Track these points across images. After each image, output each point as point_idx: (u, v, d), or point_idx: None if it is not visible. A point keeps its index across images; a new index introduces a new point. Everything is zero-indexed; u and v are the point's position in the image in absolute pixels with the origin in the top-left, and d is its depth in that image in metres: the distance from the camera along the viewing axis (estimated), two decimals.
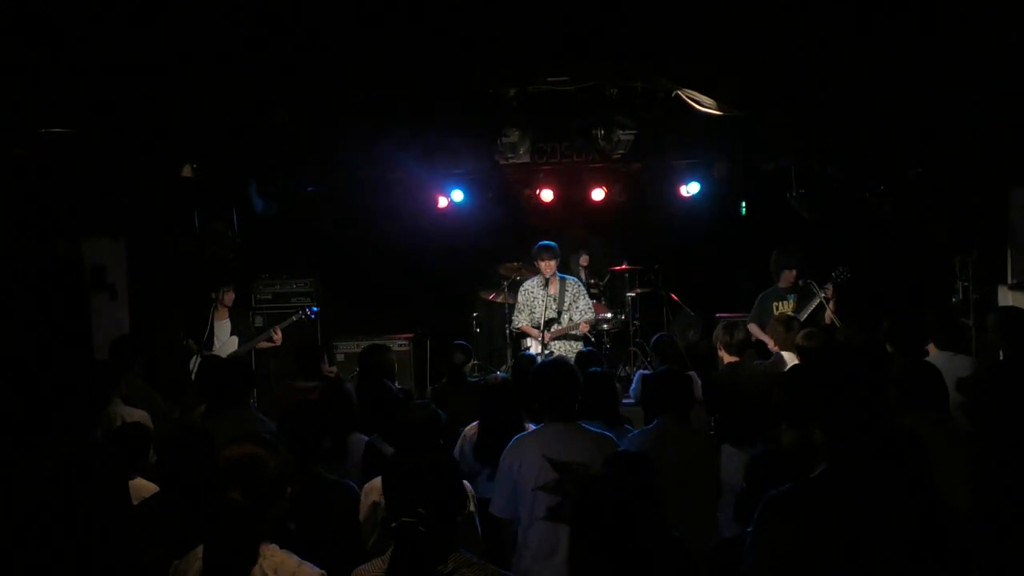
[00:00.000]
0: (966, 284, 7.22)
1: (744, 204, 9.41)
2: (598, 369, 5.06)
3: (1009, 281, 7.10)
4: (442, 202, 8.98)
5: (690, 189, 8.70)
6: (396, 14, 4.49)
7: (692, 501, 3.72)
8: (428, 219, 9.16)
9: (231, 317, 7.63)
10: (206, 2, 4.30)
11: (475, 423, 4.60)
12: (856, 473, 2.54)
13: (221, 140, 6.50)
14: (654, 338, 7.15)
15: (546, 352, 7.03)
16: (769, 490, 2.66)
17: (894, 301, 7.61)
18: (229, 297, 7.60)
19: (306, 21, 4.52)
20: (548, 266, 7.20)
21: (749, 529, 2.66)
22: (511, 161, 7.22)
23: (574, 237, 9.44)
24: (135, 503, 3.21)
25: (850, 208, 8.00)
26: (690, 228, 9.40)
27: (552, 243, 7.30)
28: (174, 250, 7.77)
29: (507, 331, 7.93)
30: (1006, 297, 7.02)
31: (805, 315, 6.71)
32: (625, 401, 6.50)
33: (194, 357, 7.29)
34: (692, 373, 5.90)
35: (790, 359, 5.51)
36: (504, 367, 8.08)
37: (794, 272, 7.13)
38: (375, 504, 3.56)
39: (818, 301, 6.80)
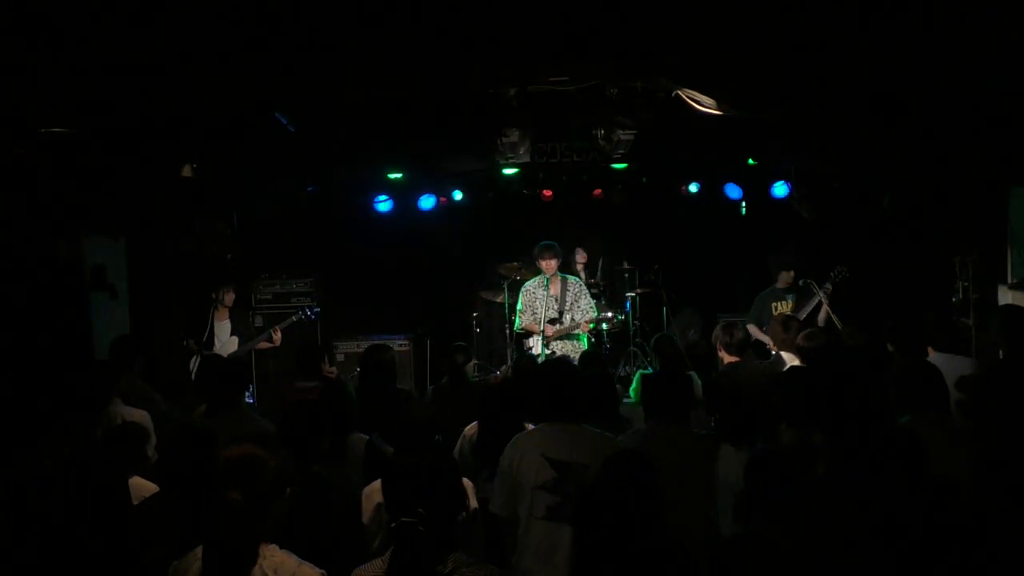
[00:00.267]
0: (966, 284, 7.23)
1: (744, 204, 9.41)
2: (597, 369, 5.06)
3: (1009, 281, 7.10)
4: (442, 202, 8.98)
5: (690, 189, 8.71)
6: (396, 14, 4.48)
7: (687, 501, 3.72)
8: (428, 219, 9.17)
9: (231, 317, 7.64)
10: (206, 2, 4.30)
11: (475, 423, 4.60)
12: (856, 474, 2.54)
13: (221, 140, 6.50)
14: (654, 338, 7.15)
15: (548, 352, 7.04)
16: (769, 490, 2.67)
17: (894, 301, 7.61)
18: (229, 297, 7.60)
19: (306, 21, 4.51)
20: (549, 265, 7.20)
21: (749, 528, 2.67)
22: (511, 161, 7.22)
23: (573, 237, 9.44)
24: (134, 502, 3.21)
25: (850, 208, 8.00)
26: (690, 228, 9.40)
27: (553, 243, 7.30)
28: (174, 250, 7.77)
29: (507, 331, 7.93)
30: (1006, 297, 7.02)
31: (804, 315, 6.72)
32: (625, 401, 6.50)
33: (194, 357, 7.30)
34: (692, 373, 5.90)
35: (790, 359, 5.51)
36: (504, 367, 8.08)
37: (790, 272, 7.14)
38: (379, 506, 3.56)
39: (817, 301, 6.80)
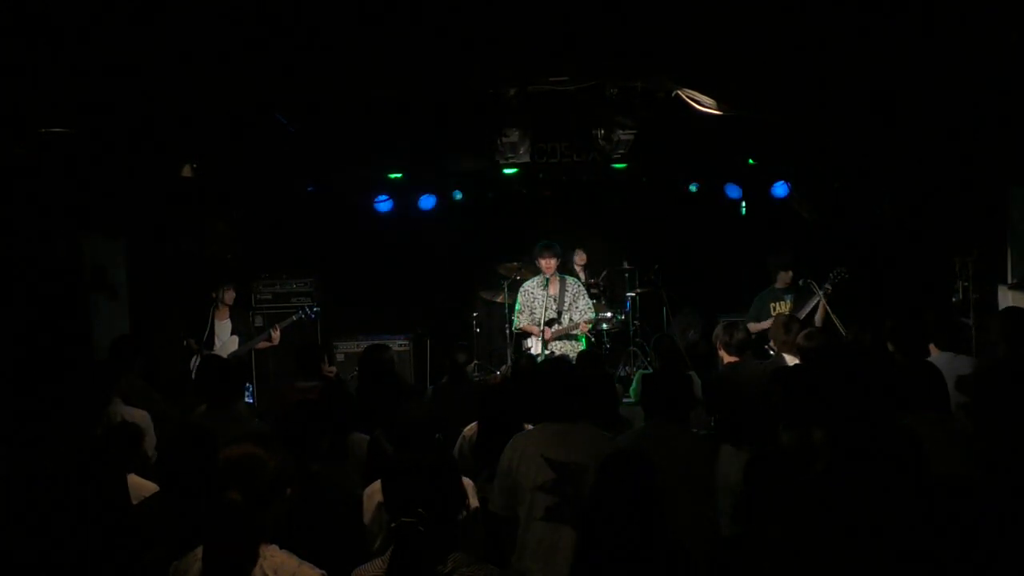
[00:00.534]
0: (966, 284, 7.23)
1: (744, 204, 9.41)
2: (597, 370, 5.06)
3: (1009, 281, 7.10)
4: (442, 202, 8.98)
5: (690, 189, 8.71)
6: (396, 14, 4.49)
7: (686, 501, 3.71)
8: (428, 219, 9.17)
9: (232, 317, 7.63)
10: (206, 2, 4.30)
11: (475, 423, 4.60)
12: (856, 474, 2.54)
13: (221, 140, 6.50)
14: (654, 338, 7.16)
15: (547, 352, 7.04)
16: (767, 491, 2.67)
17: (894, 301, 7.61)
18: (230, 296, 7.60)
19: (306, 21, 4.52)
20: (549, 265, 7.20)
21: (749, 528, 2.67)
22: (511, 161, 7.22)
23: (573, 237, 9.44)
24: (132, 501, 3.21)
25: (850, 208, 8.00)
26: (690, 228, 9.40)
27: (553, 242, 7.31)
28: (174, 250, 7.77)
29: (507, 331, 7.93)
30: (1006, 297, 7.02)
31: (803, 315, 6.72)
32: (625, 401, 6.50)
33: (194, 357, 7.30)
34: (692, 373, 5.90)
35: (790, 359, 5.51)
36: (504, 367, 8.08)
37: (788, 272, 7.14)
38: (380, 505, 3.56)
39: (816, 301, 6.81)
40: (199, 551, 2.44)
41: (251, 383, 8.12)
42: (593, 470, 3.16)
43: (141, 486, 3.61)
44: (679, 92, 6.20)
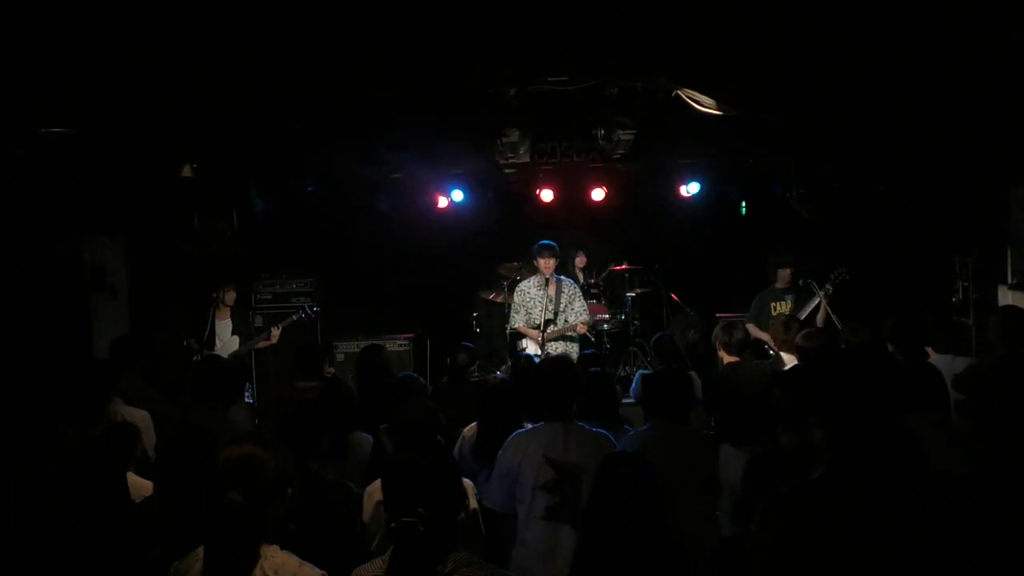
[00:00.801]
0: (966, 284, 7.23)
1: (744, 204, 9.41)
2: (598, 369, 5.06)
3: (1009, 281, 7.10)
4: (442, 202, 8.98)
5: (690, 189, 8.70)
6: (396, 14, 4.49)
7: (688, 501, 3.72)
8: (428, 219, 9.16)
9: (232, 316, 7.63)
10: (206, 2, 4.30)
11: (474, 424, 4.60)
12: (856, 474, 2.54)
13: (221, 140, 6.50)
14: (654, 338, 7.15)
15: (544, 353, 7.03)
16: (767, 491, 2.67)
17: (894, 301, 7.61)
18: (230, 296, 7.60)
19: (306, 21, 4.52)
20: (548, 265, 7.19)
21: (749, 528, 2.67)
22: (511, 161, 7.22)
23: (573, 237, 9.45)
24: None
25: (850, 208, 8.00)
26: (690, 228, 9.40)
27: (552, 243, 7.30)
28: (174, 250, 7.77)
29: (507, 331, 7.93)
30: (1006, 297, 7.02)
31: (804, 315, 6.72)
32: (625, 401, 6.50)
33: (195, 357, 7.29)
34: (692, 373, 5.90)
35: (789, 360, 5.51)
36: (504, 367, 8.08)
37: (788, 271, 7.13)
38: (379, 504, 3.56)
39: (817, 301, 6.80)
40: (200, 551, 2.43)
41: (251, 383, 8.12)
42: (593, 470, 3.16)
43: (140, 485, 3.61)
44: (679, 92, 6.20)
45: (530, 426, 4.07)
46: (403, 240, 9.36)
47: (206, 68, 4.96)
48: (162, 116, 5.68)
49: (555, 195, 8.88)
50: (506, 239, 9.32)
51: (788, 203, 7.80)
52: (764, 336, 6.48)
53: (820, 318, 6.74)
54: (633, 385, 6.91)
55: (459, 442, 4.62)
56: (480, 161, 7.55)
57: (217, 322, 7.50)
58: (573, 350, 7.15)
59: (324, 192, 8.63)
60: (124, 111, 5.45)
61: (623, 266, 9.05)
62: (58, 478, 2.85)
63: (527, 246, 7.69)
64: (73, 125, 5.55)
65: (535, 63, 5.69)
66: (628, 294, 8.90)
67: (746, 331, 5.83)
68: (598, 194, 8.92)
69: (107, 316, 7.20)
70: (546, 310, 7.09)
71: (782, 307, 7.02)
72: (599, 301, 8.75)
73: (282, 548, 2.45)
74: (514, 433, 3.92)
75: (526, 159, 7.26)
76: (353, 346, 8.72)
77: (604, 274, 9.15)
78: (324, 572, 2.47)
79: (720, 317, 7.75)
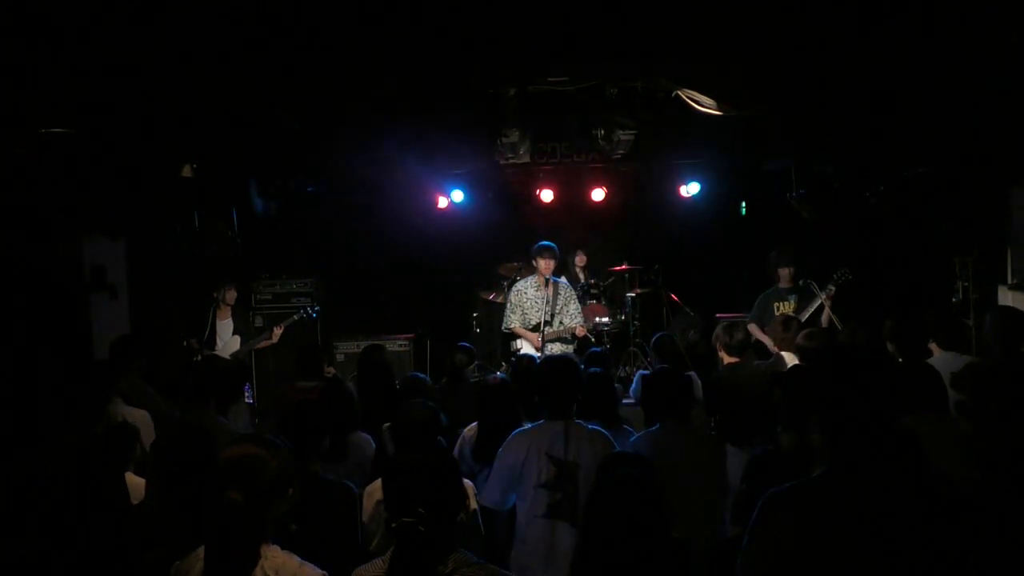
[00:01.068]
0: (966, 284, 7.22)
1: (744, 204, 9.42)
2: (599, 369, 5.06)
3: (1009, 281, 7.10)
4: (442, 202, 8.98)
5: (690, 189, 8.70)
6: (396, 14, 4.49)
7: (700, 503, 3.72)
8: (428, 219, 9.16)
9: (233, 316, 7.63)
10: (206, 2, 4.30)
11: (474, 424, 4.60)
12: (856, 474, 2.54)
13: (221, 140, 6.50)
14: (654, 338, 7.15)
15: (541, 355, 7.02)
16: (764, 491, 2.67)
17: (894, 301, 7.61)
18: (231, 296, 7.60)
19: (306, 21, 4.52)
20: (547, 266, 7.19)
21: (748, 528, 2.66)
22: (511, 161, 7.22)
23: (573, 237, 9.45)
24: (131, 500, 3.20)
25: (850, 208, 8.00)
26: (690, 228, 9.40)
27: (551, 243, 7.30)
28: (174, 250, 7.77)
29: (502, 330, 7.93)
30: (1006, 297, 7.02)
31: (805, 316, 6.71)
32: (625, 401, 6.50)
33: (196, 357, 7.29)
34: (692, 373, 5.90)
35: (790, 359, 5.51)
36: (503, 367, 8.07)
37: (788, 270, 7.12)
38: (380, 504, 3.56)
39: (819, 302, 6.79)
40: (201, 551, 2.43)
41: (251, 383, 8.12)
42: (593, 469, 3.16)
43: (141, 486, 3.61)
44: (679, 92, 6.20)
45: (529, 424, 4.07)
46: (403, 240, 9.35)
47: (206, 68, 4.96)
48: (162, 116, 5.68)
49: (555, 195, 8.88)
50: (506, 239, 9.32)
51: (788, 203, 7.80)
52: (765, 339, 6.47)
53: (825, 318, 6.73)
54: (633, 385, 6.91)
55: (459, 442, 4.62)
56: (480, 161, 7.55)
57: (218, 322, 7.50)
58: (569, 352, 7.14)
59: (324, 192, 8.64)
60: (124, 111, 5.45)
61: (623, 266, 9.05)
62: (58, 478, 2.84)
63: (527, 246, 7.69)
64: (73, 125, 5.54)
65: (535, 63, 5.70)
66: (628, 294, 8.90)
67: (747, 332, 5.83)
68: (598, 194, 8.92)
69: (107, 316, 7.20)
70: (543, 312, 7.08)
71: (785, 307, 7.01)
72: (599, 301, 8.74)
73: (282, 548, 2.45)
74: (516, 430, 3.92)
75: (526, 159, 7.26)
76: (353, 346, 8.73)
77: (610, 280, 9.15)
78: (324, 572, 2.47)
79: (720, 317, 7.75)
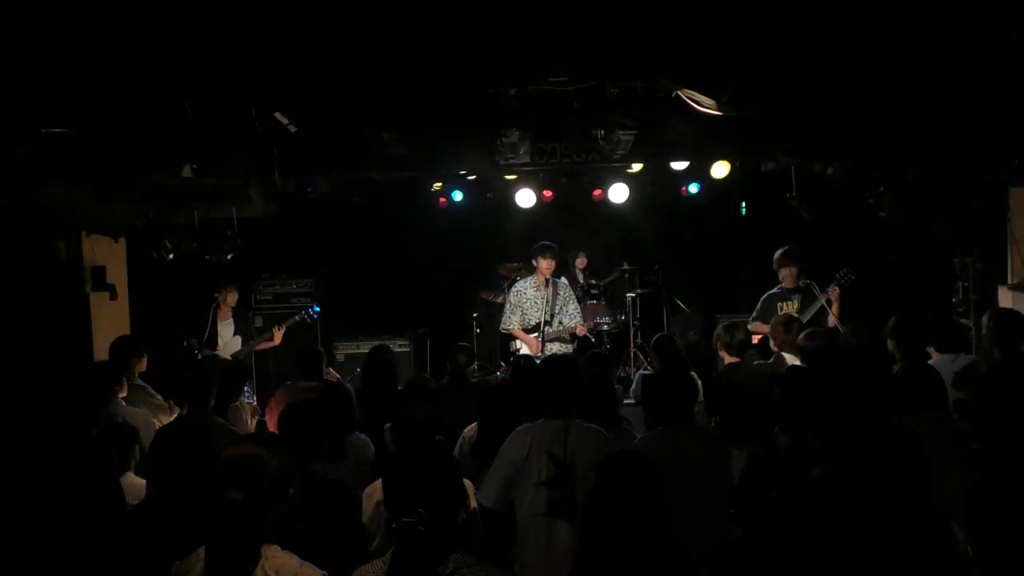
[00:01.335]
0: (966, 284, 7.22)
1: (744, 204, 9.41)
2: (599, 370, 5.06)
3: (1009, 281, 7.09)
4: (442, 202, 8.98)
5: (690, 189, 8.70)
6: (396, 14, 4.48)
7: (701, 503, 3.72)
8: (428, 219, 9.16)
9: (234, 317, 7.63)
10: (206, 2, 4.30)
11: (474, 424, 4.60)
12: (855, 476, 2.54)
13: (221, 140, 6.49)
14: (654, 339, 7.15)
15: (541, 355, 7.02)
16: (763, 492, 2.67)
17: (894, 301, 7.60)
18: (232, 297, 7.60)
19: (306, 21, 4.51)
20: (548, 266, 7.19)
21: (747, 529, 2.67)
22: (511, 161, 7.22)
23: (573, 237, 9.44)
24: (126, 499, 3.20)
25: (850, 208, 7.99)
26: (690, 228, 9.40)
27: (552, 244, 7.30)
28: (174, 250, 7.76)
29: (500, 330, 7.93)
30: (1006, 297, 7.01)
31: (807, 317, 6.70)
32: (626, 401, 6.50)
33: (196, 357, 7.29)
34: (692, 374, 5.89)
35: (790, 360, 5.51)
36: (503, 367, 8.07)
37: (790, 270, 7.11)
38: (380, 504, 3.56)
39: (821, 303, 6.78)
40: (201, 551, 2.44)
41: (251, 383, 8.12)
42: (591, 468, 3.16)
43: (140, 485, 3.61)
44: (679, 92, 6.19)
45: (529, 423, 4.07)
46: (403, 240, 9.35)
47: (206, 68, 4.96)
48: (162, 116, 5.68)
49: (555, 195, 8.88)
50: (506, 239, 9.32)
51: (788, 203, 7.80)
52: (765, 329, 6.44)
53: (832, 319, 6.71)
54: (634, 386, 6.91)
55: (459, 442, 4.63)
56: (480, 161, 7.54)
57: (219, 323, 7.50)
58: (569, 351, 7.14)
59: (324, 192, 8.63)
60: (124, 111, 5.44)
61: (623, 266, 9.05)
62: (57, 478, 2.84)
63: (527, 246, 7.69)
64: (73, 125, 5.54)
65: (535, 63, 5.68)
66: (628, 294, 8.90)
67: (747, 332, 5.83)
68: (598, 194, 8.92)
69: (107, 316, 7.20)
70: (543, 311, 7.08)
71: (789, 307, 7.00)
72: (599, 302, 8.74)
73: (283, 548, 2.45)
74: (517, 429, 3.93)
75: (526, 159, 7.26)
76: (353, 347, 8.73)
77: (611, 278, 9.14)
78: (324, 572, 2.48)
79: (720, 317, 7.75)
